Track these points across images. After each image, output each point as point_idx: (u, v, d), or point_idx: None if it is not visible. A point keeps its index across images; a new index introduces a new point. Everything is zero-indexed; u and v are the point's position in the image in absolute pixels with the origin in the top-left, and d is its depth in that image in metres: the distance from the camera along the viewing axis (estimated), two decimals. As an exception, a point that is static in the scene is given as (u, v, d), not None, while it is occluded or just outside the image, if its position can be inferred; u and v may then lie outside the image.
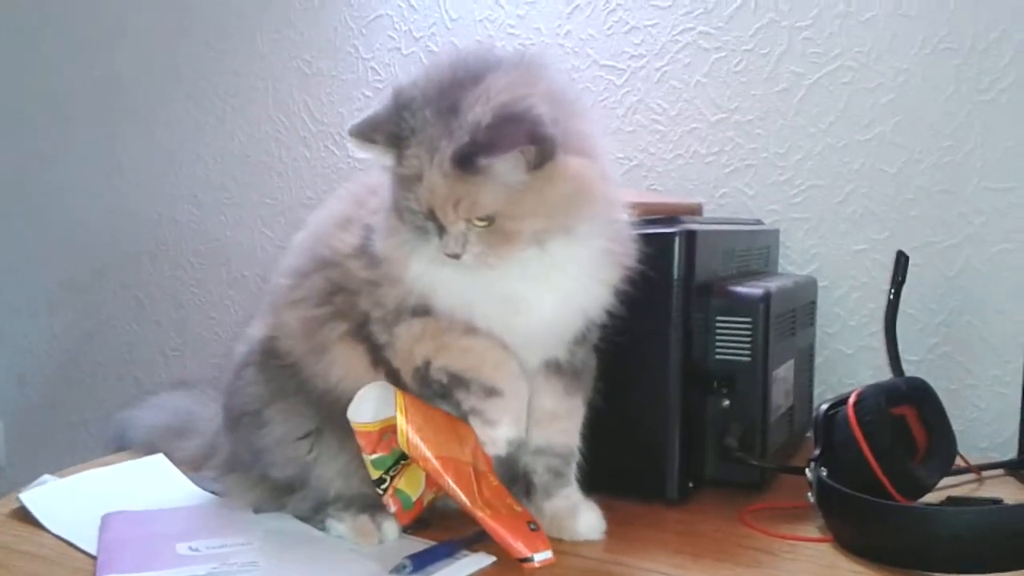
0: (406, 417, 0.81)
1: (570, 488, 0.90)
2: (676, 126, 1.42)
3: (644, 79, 1.43)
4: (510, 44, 1.53)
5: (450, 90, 0.76)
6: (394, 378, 0.85)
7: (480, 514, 0.80)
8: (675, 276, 0.95)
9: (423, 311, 0.82)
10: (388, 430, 0.82)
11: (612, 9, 1.45)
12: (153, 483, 1.01)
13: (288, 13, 1.76)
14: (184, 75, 1.89)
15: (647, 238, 0.88)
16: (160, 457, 1.07)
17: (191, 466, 1.06)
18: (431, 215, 0.76)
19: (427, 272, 0.81)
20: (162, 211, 1.95)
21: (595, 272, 0.83)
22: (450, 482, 0.80)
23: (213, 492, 0.98)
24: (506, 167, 0.73)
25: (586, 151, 0.78)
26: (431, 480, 0.85)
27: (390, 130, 0.77)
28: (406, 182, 0.77)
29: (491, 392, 0.82)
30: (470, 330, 0.82)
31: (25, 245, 2.16)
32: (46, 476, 0.99)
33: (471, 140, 0.72)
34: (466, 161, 0.73)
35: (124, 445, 1.16)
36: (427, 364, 0.83)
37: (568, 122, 0.76)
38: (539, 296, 0.81)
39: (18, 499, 0.93)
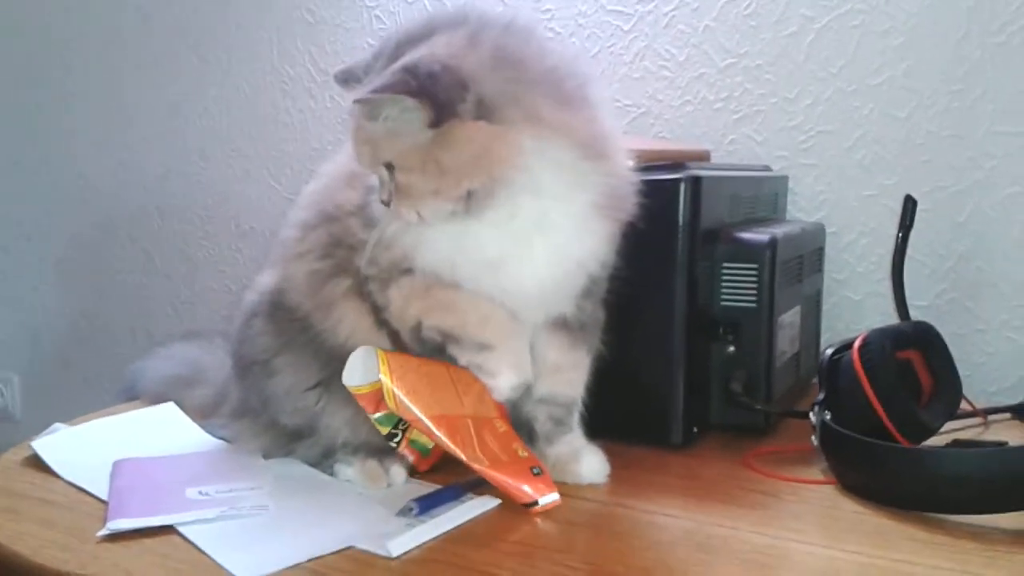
0: (392, 378, 0.81)
1: (572, 434, 0.91)
2: (684, 72, 1.40)
3: (652, 24, 1.41)
4: (516, -9, 1.51)
5: (404, 45, 0.78)
6: (396, 338, 0.86)
7: (478, 467, 0.81)
8: (680, 223, 0.95)
9: (410, 271, 0.83)
10: (381, 391, 0.82)
11: (618, -47, 1.42)
12: (163, 430, 1.02)
13: (291, -38, 1.74)
14: (188, 28, 1.88)
15: (651, 185, 0.87)
16: (170, 405, 1.08)
17: (201, 414, 1.07)
18: (357, 156, 0.79)
19: (407, 231, 0.81)
20: (169, 165, 1.95)
21: (585, 226, 0.82)
22: (443, 439, 0.81)
23: (223, 439, 0.99)
24: (397, 114, 0.74)
25: (535, 120, 0.76)
26: None
27: (358, 77, 0.81)
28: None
29: (482, 347, 0.82)
30: (456, 285, 0.82)
31: (32, 201, 2.16)
32: (57, 424, 1.00)
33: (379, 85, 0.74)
34: (355, 96, 0.76)
35: (135, 395, 1.17)
36: (419, 324, 0.84)
37: (515, 90, 0.75)
38: (526, 254, 0.81)
39: (30, 447, 0.95)
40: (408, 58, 0.75)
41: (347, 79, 0.83)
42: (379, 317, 0.86)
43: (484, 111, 0.74)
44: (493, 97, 0.75)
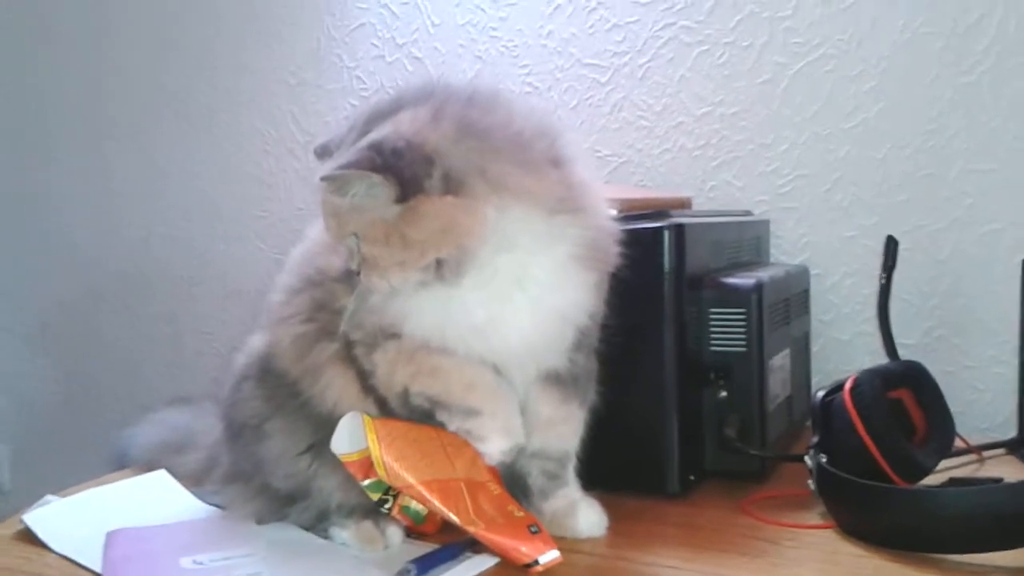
0: (380, 446, 0.81)
1: (568, 488, 0.91)
2: (662, 121, 1.42)
3: (628, 76, 1.44)
4: (492, 47, 1.54)
5: (373, 120, 0.80)
6: (383, 405, 0.86)
7: (473, 529, 0.80)
8: (666, 270, 0.95)
9: (396, 336, 0.83)
10: (370, 458, 0.82)
11: (593, 8, 1.45)
12: (156, 499, 1.01)
13: (272, 25, 1.76)
14: (171, 90, 1.89)
15: (635, 234, 0.89)
16: (162, 473, 1.06)
17: (193, 480, 1.05)
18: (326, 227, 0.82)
19: (394, 298, 0.82)
20: (152, 227, 1.94)
21: (566, 278, 0.82)
22: (436, 503, 0.80)
23: (215, 505, 0.98)
24: (362, 190, 0.75)
25: (501, 189, 0.77)
26: None
27: (331, 151, 0.83)
28: None
29: (469, 412, 0.82)
30: (442, 349, 0.82)
31: (15, 266, 2.15)
32: (49, 496, 0.99)
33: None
34: (323, 172, 0.77)
35: (125, 463, 1.15)
36: (406, 391, 0.84)
37: (480, 161, 0.77)
38: (509, 313, 0.81)
39: (21, 521, 0.93)
40: (374, 135, 0.77)
41: (323, 154, 0.85)
42: (366, 383, 0.86)
43: (451, 185, 0.76)
44: (458, 170, 0.76)
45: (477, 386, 0.83)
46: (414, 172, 0.74)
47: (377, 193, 0.75)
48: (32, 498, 1.00)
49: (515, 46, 1.52)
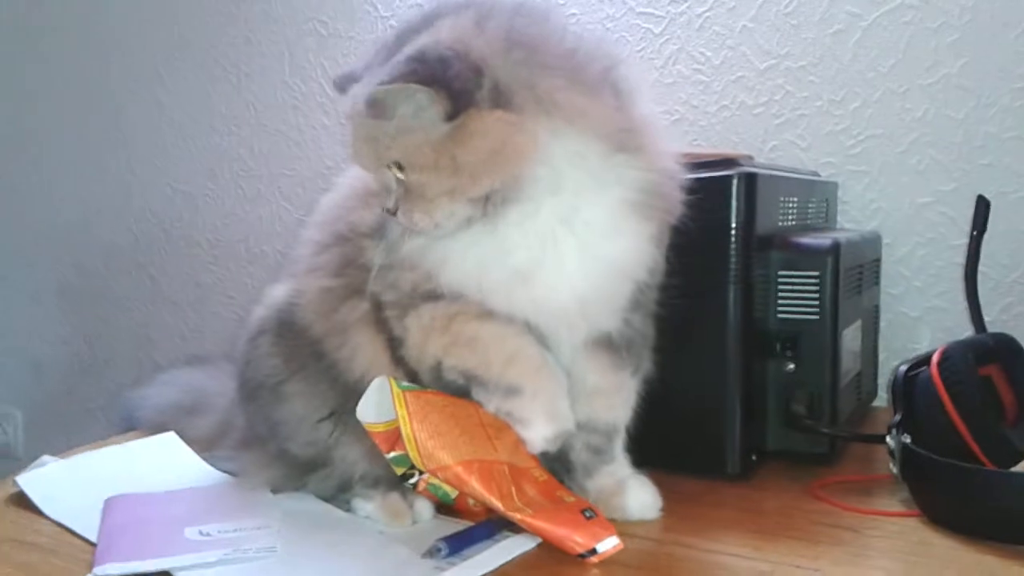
0: (412, 423, 0.71)
1: (615, 464, 0.81)
2: (720, 75, 1.31)
3: (684, 26, 1.33)
4: (538, -5, 1.43)
5: (404, 35, 0.71)
6: (414, 379, 0.77)
7: (519, 516, 0.71)
8: (733, 225, 0.85)
9: (434, 294, 0.74)
10: (399, 430, 0.72)
11: (648, -49, 1.35)
12: (162, 463, 0.92)
13: (302, -28, 1.67)
14: (193, 42, 1.81)
15: (699, 183, 0.78)
16: (170, 435, 0.98)
17: (204, 445, 0.97)
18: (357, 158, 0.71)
19: (429, 247, 0.73)
20: (175, 186, 1.87)
21: (621, 225, 0.72)
22: (477, 487, 0.71)
23: (227, 472, 0.90)
24: (408, 108, 0.66)
25: (551, 107, 0.68)
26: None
27: (357, 77, 0.73)
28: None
29: (510, 390, 0.73)
30: (483, 315, 0.73)
31: (32, 227, 2.08)
32: (46, 457, 0.91)
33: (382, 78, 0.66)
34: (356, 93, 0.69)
35: (133, 425, 1.08)
36: (439, 364, 0.75)
37: (529, 74, 0.67)
38: (554, 258, 0.71)
39: (15, 482, 0.85)
40: (411, 47, 0.67)
41: (345, 83, 0.74)
42: (396, 354, 0.77)
43: (500, 98, 0.66)
44: (507, 83, 0.66)
45: (519, 359, 0.73)
46: (464, 83, 0.65)
47: (424, 110, 0.65)
48: (44, 464, 0.93)
49: (561, -9, 1.42)
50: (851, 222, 1.23)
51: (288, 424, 0.81)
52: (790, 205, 0.99)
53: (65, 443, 1.12)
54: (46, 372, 2.12)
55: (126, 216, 1.94)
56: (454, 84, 0.65)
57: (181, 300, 1.90)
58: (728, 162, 0.87)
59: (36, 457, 0.93)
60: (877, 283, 1.16)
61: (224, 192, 1.82)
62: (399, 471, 0.77)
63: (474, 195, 0.68)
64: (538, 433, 0.73)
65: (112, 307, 1.99)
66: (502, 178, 0.67)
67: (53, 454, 0.94)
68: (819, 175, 1.22)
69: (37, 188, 2.06)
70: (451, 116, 0.65)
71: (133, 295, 1.96)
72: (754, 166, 0.91)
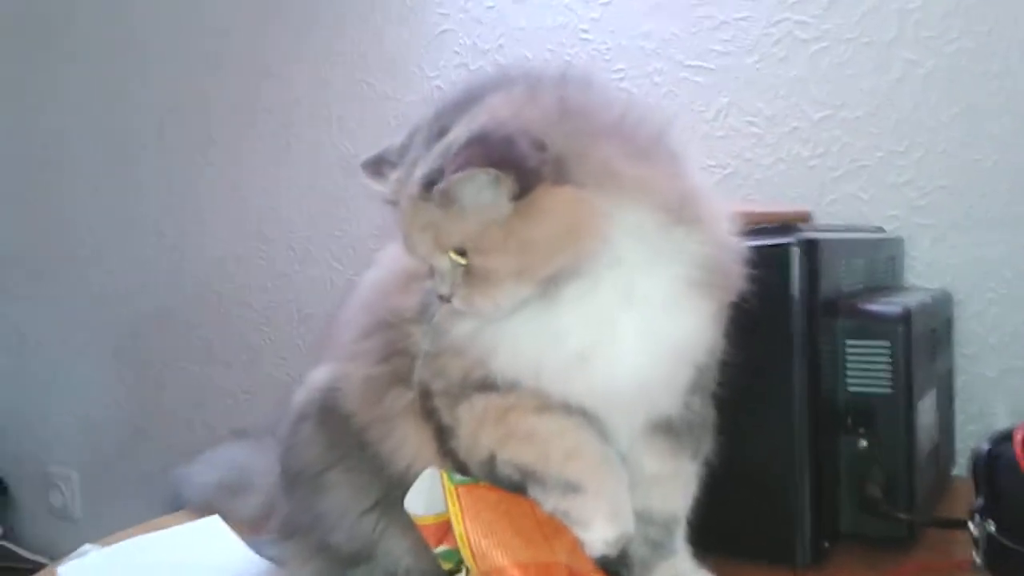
0: (465, 520, 0.67)
1: (675, 557, 0.76)
2: (774, 127, 1.27)
3: (735, 78, 1.30)
4: (583, 51, 1.41)
5: (449, 113, 0.67)
6: (463, 471, 0.72)
7: None
8: (795, 294, 0.80)
9: (486, 382, 0.70)
10: (448, 524, 0.68)
11: (697, 3, 1.31)
12: (204, 550, 0.90)
13: (349, 34, 1.67)
14: (244, 106, 1.82)
15: (757, 251, 0.74)
16: (215, 519, 0.96)
17: (249, 526, 0.94)
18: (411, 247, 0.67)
19: (482, 330, 0.69)
20: (227, 248, 1.87)
21: (681, 303, 0.68)
22: None
23: (271, 559, 0.87)
24: (472, 192, 0.62)
25: (607, 178, 0.64)
26: None
27: (392, 162, 0.70)
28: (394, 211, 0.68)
29: (568, 488, 0.68)
30: (541, 407, 0.69)
31: (88, 289, 2.10)
32: (87, 546, 0.89)
33: (441, 164, 0.63)
34: (428, 184, 0.63)
35: (180, 505, 1.05)
36: (493, 457, 0.70)
37: (587, 145, 0.64)
38: (612, 338, 0.67)
39: (56, 573, 0.83)
40: (465, 129, 0.64)
41: (379, 166, 0.71)
42: (445, 445, 0.72)
43: (561, 172, 0.63)
44: (566, 155, 0.63)
45: (581, 455, 0.69)
46: (532, 162, 0.62)
47: (489, 192, 0.62)
48: (101, 528, 0.92)
49: (608, 49, 1.39)
50: (919, 279, 1.17)
51: (330, 516, 0.77)
52: (855, 267, 0.94)
53: (121, 507, 1.11)
54: (102, 434, 2.13)
55: (179, 279, 1.95)
56: (524, 164, 0.61)
57: (233, 362, 1.90)
58: (786, 228, 0.83)
59: (93, 520, 0.92)
60: (950, 346, 1.10)
61: (275, 253, 1.81)
62: (446, 566, 0.72)
63: (544, 275, 0.64)
64: (599, 535, 0.68)
65: (165, 369, 1.99)
66: (575, 255, 0.64)
67: (108, 516, 0.92)
68: (884, 230, 1.17)
69: (93, 254, 2.09)
70: (519, 195, 0.62)
71: (186, 357, 1.96)
72: (814, 229, 0.86)
